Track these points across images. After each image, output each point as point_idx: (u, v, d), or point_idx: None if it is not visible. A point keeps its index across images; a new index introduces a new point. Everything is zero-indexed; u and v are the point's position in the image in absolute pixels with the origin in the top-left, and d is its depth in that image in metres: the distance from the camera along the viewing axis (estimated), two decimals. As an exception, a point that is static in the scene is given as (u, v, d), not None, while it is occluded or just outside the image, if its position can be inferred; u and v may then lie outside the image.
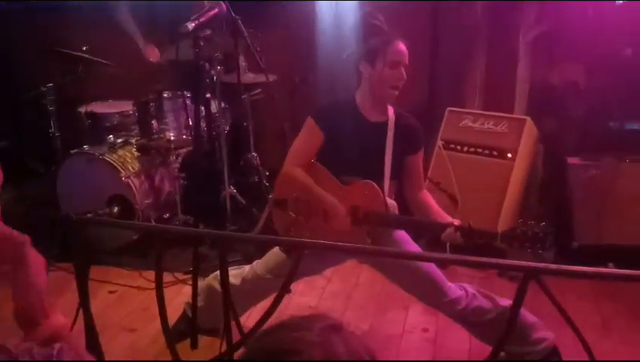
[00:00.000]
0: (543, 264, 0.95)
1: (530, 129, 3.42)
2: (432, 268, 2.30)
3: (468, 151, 3.50)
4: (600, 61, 3.98)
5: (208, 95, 3.16)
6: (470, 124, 3.54)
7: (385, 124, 2.30)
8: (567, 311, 1.03)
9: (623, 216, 3.21)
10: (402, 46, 2.23)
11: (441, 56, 3.97)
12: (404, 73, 2.24)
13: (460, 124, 3.58)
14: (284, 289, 1.40)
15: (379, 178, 2.25)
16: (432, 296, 2.31)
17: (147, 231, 3.11)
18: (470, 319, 2.31)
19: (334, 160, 2.29)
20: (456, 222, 2.16)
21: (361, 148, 2.27)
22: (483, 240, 2.05)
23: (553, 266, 0.99)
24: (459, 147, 3.53)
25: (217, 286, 2.22)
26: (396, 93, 2.26)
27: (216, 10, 3.04)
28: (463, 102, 3.84)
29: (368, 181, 2.22)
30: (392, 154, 2.28)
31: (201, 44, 2.98)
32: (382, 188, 2.23)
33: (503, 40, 3.90)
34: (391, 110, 2.33)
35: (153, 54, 3.74)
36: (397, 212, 2.26)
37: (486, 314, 2.29)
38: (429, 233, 2.56)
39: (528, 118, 3.45)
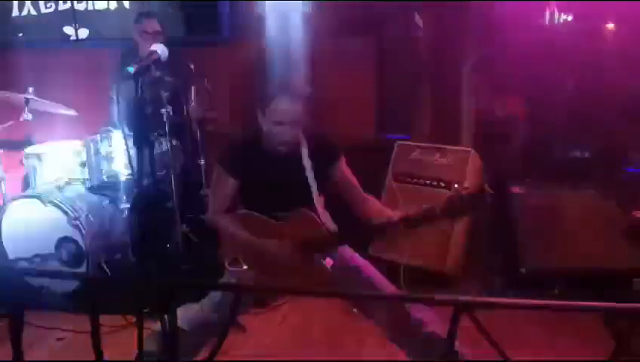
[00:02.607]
0: (472, 298, 0.99)
1: (474, 160, 3.55)
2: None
3: (417, 183, 3.61)
4: (541, 91, 4.19)
5: (151, 136, 3.16)
6: (419, 156, 3.66)
7: (296, 151, 2.25)
8: (502, 342, 1.08)
9: (567, 241, 3.34)
10: (286, 104, 2.14)
11: (388, 89, 4.10)
12: (290, 131, 2.17)
13: (409, 157, 3.69)
14: (225, 333, 1.39)
15: (309, 201, 2.22)
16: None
17: (86, 280, 3.04)
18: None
19: (259, 200, 2.25)
20: (396, 215, 2.11)
21: (282, 182, 2.21)
22: (427, 220, 2.02)
23: (481, 299, 1.04)
24: (408, 179, 3.64)
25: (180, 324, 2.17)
26: (285, 146, 2.21)
27: (159, 54, 3.08)
28: (411, 135, 3.95)
29: (301, 210, 2.19)
30: (314, 174, 2.24)
31: (142, 88, 3.01)
32: (315, 210, 2.21)
33: (446, 73, 4.07)
34: (299, 136, 2.27)
35: None
36: (333, 225, 2.25)
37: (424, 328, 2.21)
38: (375, 235, 2.49)
39: (472, 150, 3.59)
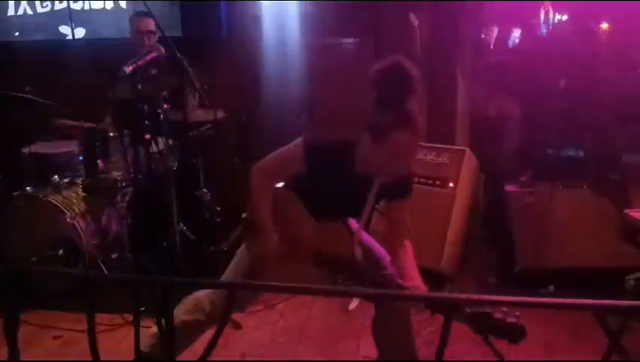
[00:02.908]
0: (465, 296, 1.01)
1: (469, 159, 3.57)
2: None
3: (413, 182, 3.62)
4: (535, 91, 4.22)
5: (147, 136, 3.17)
6: (414, 155, 3.67)
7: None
8: (497, 340, 1.10)
9: (560, 239, 3.37)
10: (404, 136, 1.91)
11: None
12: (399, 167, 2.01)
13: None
14: (221, 329, 1.40)
15: (355, 216, 2.12)
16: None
17: (82, 279, 3.05)
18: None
19: (311, 195, 2.09)
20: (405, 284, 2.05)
21: (344, 192, 2.05)
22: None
23: (474, 297, 1.05)
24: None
25: (187, 317, 2.14)
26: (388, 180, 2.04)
27: (154, 53, 3.10)
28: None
29: (343, 221, 2.09)
30: (375, 199, 2.10)
31: (139, 87, 3.02)
32: (354, 232, 2.11)
33: (442, 74, 4.09)
34: None
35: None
36: (359, 253, 2.09)
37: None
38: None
39: (467, 149, 3.61)
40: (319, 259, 2.10)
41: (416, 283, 2.10)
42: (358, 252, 2.10)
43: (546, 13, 4.57)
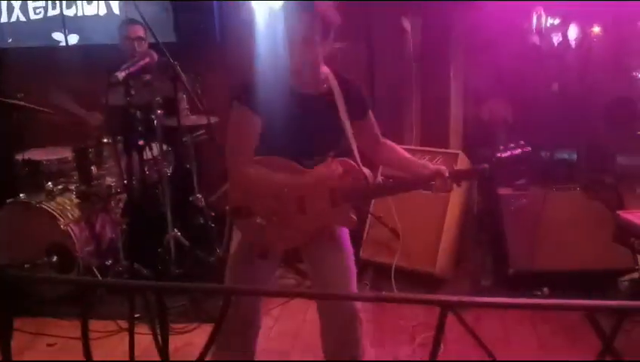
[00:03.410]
0: (458, 297, 1.02)
1: (463, 162, 3.59)
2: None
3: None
4: (528, 94, 4.24)
5: (141, 142, 3.17)
6: (408, 159, 3.68)
7: (328, 91, 2.03)
8: (491, 342, 1.10)
9: (554, 242, 3.39)
10: (296, 17, 1.94)
11: (378, 95, 4.14)
12: (307, 50, 1.95)
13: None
14: (215, 332, 1.39)
15: (339, 147, 2.05)
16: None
17: (75, 285, 3.04)
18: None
19: (282, 143, 1.99)
20: (443, 169, 1.99)
21: (311, 123, 1.98)
22: (475, 177, 1.92)
23: (467, 299, 1.06)
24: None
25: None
26: (308, 71, 1.98)
27: (147, 59, 3.10)
28: (401, 139, 3.99)
29: (341, 158, 2.01)
30: (349, 122, 2.03)
31: (132, 92, 3.02)
32: (354, 158, 2.04)
33: (435, 78, 4.11)
34: (328, 74, 2.05)
35: (94, 119, 3.70)
36: (371, 175, 2.05)
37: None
38: (417, 187, 2.22)
39: (461, 152, 3.63)
40: (335, 198, 1.99)
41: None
42: (369, 173, 2.04)
43: (539, 18, 4.61)
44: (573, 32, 4.62)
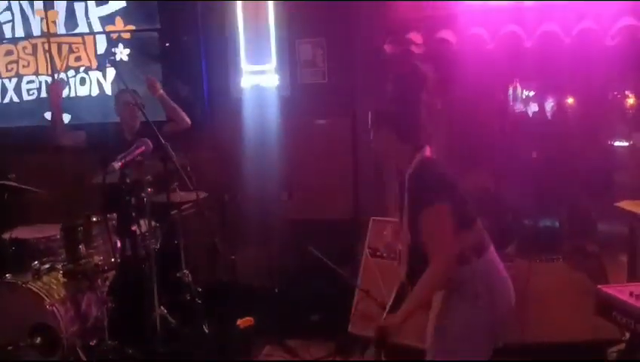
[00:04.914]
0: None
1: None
2: None
3: (394, 258, 3.65)
4: (509, 165, 4.36)
5: (134, 227, 3.22)
6: (392, 232, 3.72)
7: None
8: None
9: (540, 314, 3.37)
10: None
11: (363, 168, 4.25)
12: None
13: (385, 232, 3.75)
14: None
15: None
16: None
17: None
18: None
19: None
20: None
21: None
22: None
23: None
24: (385, 254, 3.69)
25: None
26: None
27: (143, 148, 3.21)
28: (386, 211, 4.05)
29: None
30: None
31: (127, 181, 3.10)
32: None
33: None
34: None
35: (80, 140, 3.92)
36: None
37: None
38: None
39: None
40: None
41: None
42: None
43: (514, 90, 4.81)
44: (548, 104, 4.83)
